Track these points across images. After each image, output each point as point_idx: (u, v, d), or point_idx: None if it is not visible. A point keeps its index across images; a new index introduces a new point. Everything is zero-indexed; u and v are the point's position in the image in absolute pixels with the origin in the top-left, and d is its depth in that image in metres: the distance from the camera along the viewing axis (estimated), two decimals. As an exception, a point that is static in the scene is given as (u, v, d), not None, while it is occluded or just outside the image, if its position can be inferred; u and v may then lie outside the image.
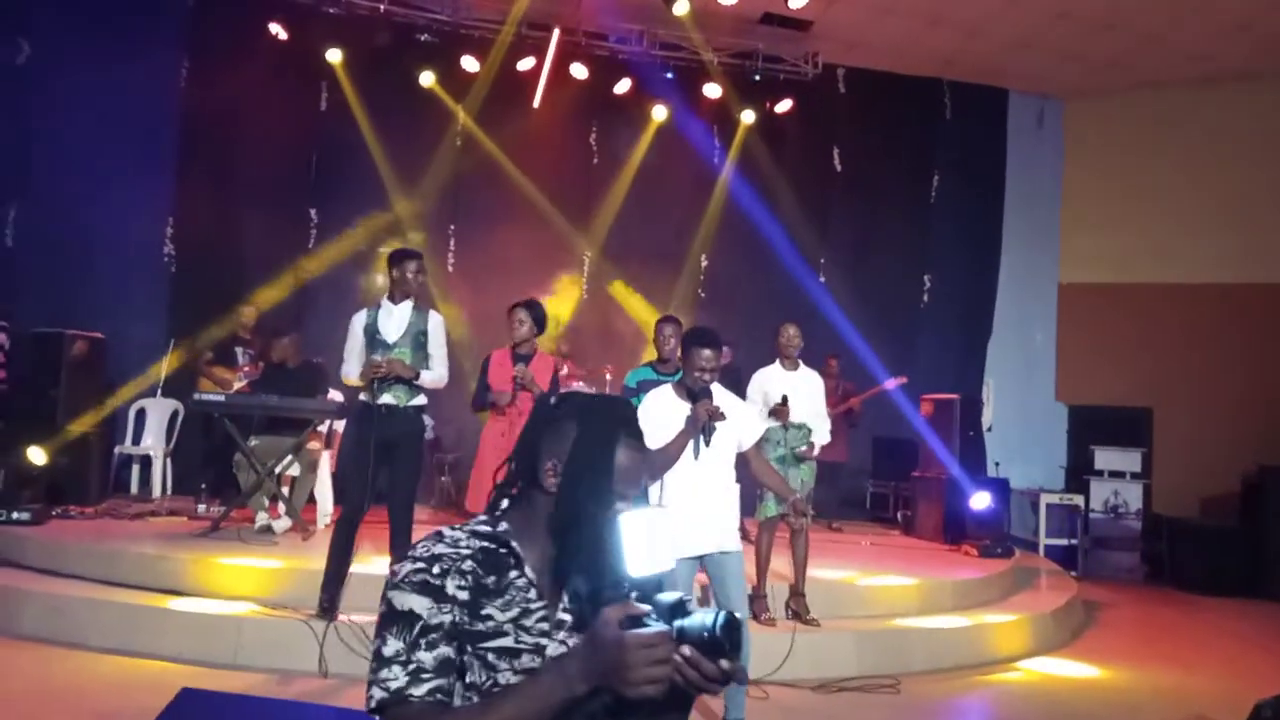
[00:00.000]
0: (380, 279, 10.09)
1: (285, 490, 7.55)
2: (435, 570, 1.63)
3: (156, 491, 8.82)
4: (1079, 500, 10.31)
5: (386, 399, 5.44)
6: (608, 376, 9.29)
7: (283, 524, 7.34)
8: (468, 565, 1.65)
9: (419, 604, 1.60)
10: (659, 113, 10.85)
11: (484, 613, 1.64)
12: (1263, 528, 9.61)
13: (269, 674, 5.14)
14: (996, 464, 10.20)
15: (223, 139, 9.80)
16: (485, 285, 10.05)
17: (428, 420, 5.84)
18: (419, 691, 1.56)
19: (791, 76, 10.96)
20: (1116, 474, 10.54)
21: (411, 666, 1.57)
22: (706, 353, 4.37)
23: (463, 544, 1.68)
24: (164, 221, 9.92)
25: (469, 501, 5.82)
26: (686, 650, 1.39)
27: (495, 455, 5.64)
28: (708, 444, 4.37)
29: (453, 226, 10.56)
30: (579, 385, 9.66)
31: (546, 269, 10.62)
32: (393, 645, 1.58)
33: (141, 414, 9.12)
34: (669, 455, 4.35)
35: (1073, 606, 7.69)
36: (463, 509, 9.11)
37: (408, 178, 10.23)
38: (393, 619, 1.60)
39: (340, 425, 8.10)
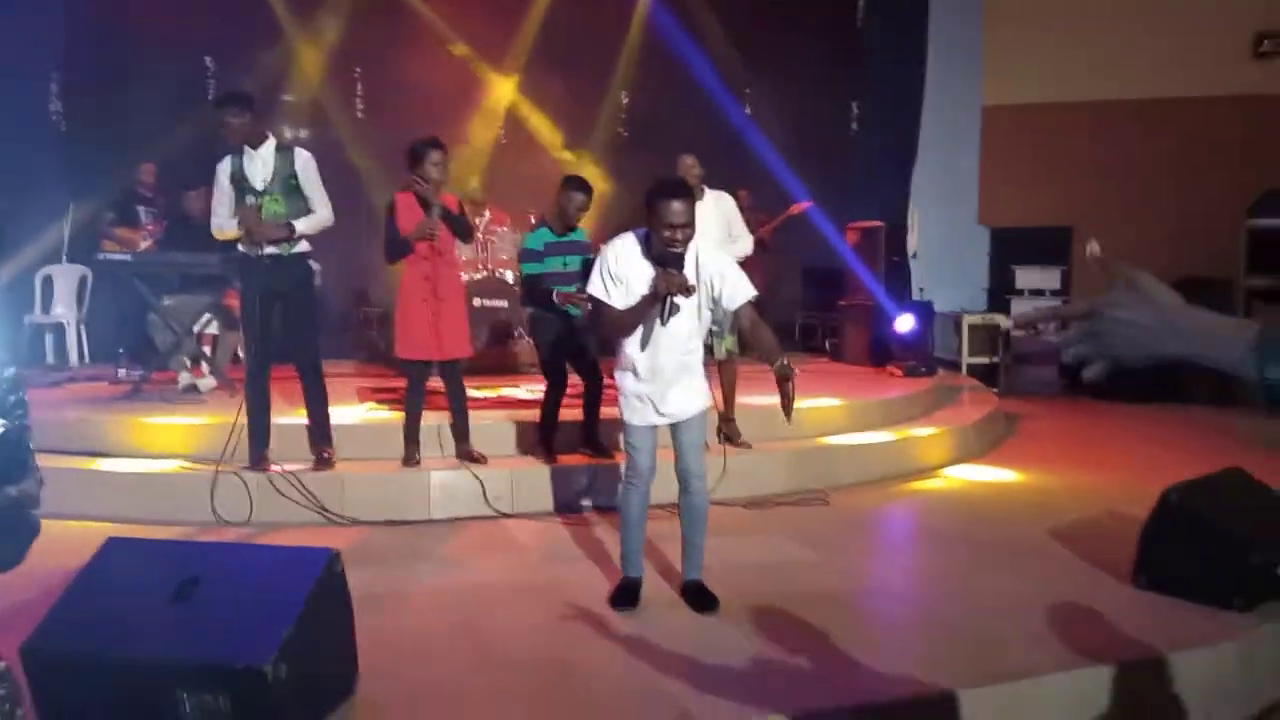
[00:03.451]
0: (286, 131, 9.67)
1: (207, 350, 7.39)
2: None
3: (73, 360, 8.58)
4: (1000, 319, 10.57)
5: (269, 249, 5.31)
6: (533, 220, 9.11)
7: (208, 383, 7.20)
8: None
9: None
10: (570, -62, 10.32)
11: None
12: (1174, 336, 9.96)
13: (201, 525, 5.13)
14: (921, 289, 10.35)
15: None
16: (397, 130, 9.59)
17: (314, 266, 5.71)
18: None
19: (707, -106, 10.44)
20: (1036, 292, 10.79)
21: None
22: (676, 205, 3.66)
23: None
24: (48, 78, 9.31)
25: (398, 349, 5.72)
26: None
27: (420, 299, 5.52)
28: (663, 323, 3.78)
29: (358, 69, 10.08)
30: (504, 230, 9.50)
31: (461, 110, 10.23)
32: None
33: (49, 281, 8.77)
34: (625, 323, 3.86)
35: (993, 418, 7.98)
36: (392, 361, 9.05)
37: (306, 17, 9.66)
38: None
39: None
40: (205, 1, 9.57)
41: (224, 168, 5.36)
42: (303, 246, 5.42)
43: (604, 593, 4.16)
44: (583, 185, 5.97)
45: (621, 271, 3.85)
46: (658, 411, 3.96)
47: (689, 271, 3.82)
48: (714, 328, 5.88)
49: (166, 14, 9.24)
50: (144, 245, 7.81)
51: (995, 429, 7.93)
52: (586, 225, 6.14)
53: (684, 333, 3.91)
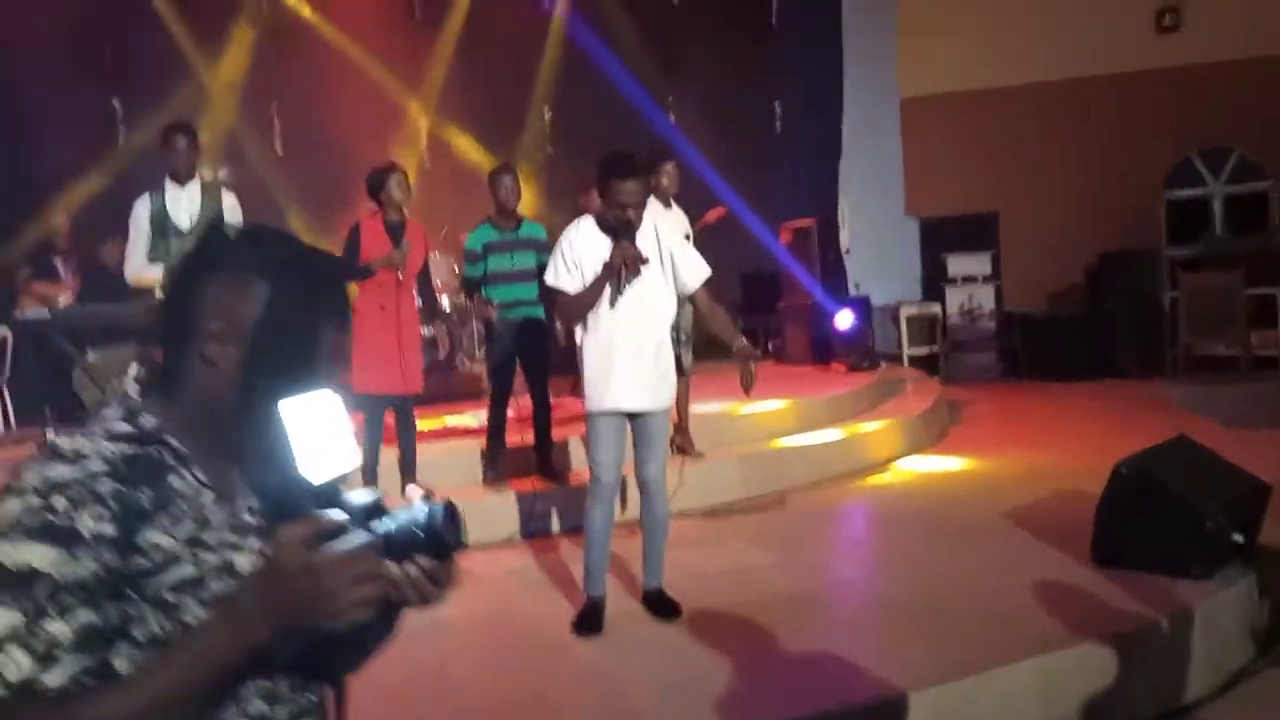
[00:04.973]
0: (205, 173, 9.43)
1: (137, 402, 7.14)
2: (58, 504, 1.12)
3: (-3, 425, 8.24)
4: (936, 308, 10.69)
5: None
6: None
7: (140, 437, 6.95)
8: (106, 486, 1.15)
9: (41, 557, 1.10)
10: (479, -47, 10.27)
11: (144, 542, 1.16)
12: (1105, 311, 10.19)
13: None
14: (857, 285, 10.44)
15: (2, 36, 8.80)
16: (319, 164, 9.49)
17: None
18: (55, 679, 1.09)
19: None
20: (969, 279, 10.94)
21: (39, 646, 1.08)
22: (630, 186, 3.68)
23: (91, 457, 1.17)
24: (-52, 134, 8.97)
25: (357, 384, 5.45)
26: (419, 565, 1.15)
27: (377, 329, 5.30)
28: (619, 292, 3.77)
29: (275, 104, 9.87)
30: (435, 256, 9.35)
31: (382, 139, 10.06)
32: (4, 620, 1.08)
33: (-35, 345, 8.41)
34: (582, 302, 3.82)
35: (938, 407, 8.04)
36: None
37: (213, 50, 9.44)
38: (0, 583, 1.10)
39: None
40: (104, 42, 9.31)
41: (142, 207, 4.99)
42: None
43: (568, 617, 4.08)
44: (505, 168, 5.82)
45: (577, 255, 3.83)
46: (624, 395, 3.82)
47: (649, 243, 3.82)
48: (683, 336, 5.86)
49: (66, 60, 8.97)
50: (64, 300, 7.55)
51: (941, 418, 8.00)
52: None
53: (651, 308, 3.85)
